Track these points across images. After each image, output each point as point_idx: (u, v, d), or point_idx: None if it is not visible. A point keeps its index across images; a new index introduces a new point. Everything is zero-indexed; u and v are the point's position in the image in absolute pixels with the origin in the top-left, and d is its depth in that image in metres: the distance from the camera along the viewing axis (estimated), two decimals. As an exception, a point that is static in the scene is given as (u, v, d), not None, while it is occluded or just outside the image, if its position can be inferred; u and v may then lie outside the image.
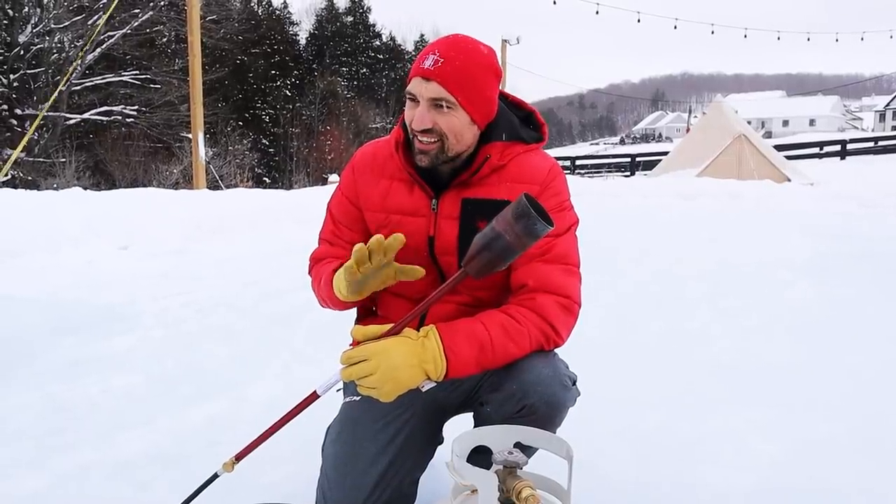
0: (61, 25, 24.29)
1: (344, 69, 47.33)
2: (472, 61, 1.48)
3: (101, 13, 21.49)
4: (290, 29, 46.09)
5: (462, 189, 1.57)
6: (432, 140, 1.49)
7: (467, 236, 1.54)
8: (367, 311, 1.80)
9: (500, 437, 1.41)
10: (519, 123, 1.61)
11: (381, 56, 49.43)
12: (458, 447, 1.35)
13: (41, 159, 23.21)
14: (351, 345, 1.45)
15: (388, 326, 1.41)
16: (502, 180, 1.56)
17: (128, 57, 26.99)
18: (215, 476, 1.49)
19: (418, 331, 1.42)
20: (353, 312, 1.85)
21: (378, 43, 50.28)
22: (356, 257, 1.39)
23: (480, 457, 1.49)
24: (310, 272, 1.76)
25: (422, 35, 54.84)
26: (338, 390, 1.48)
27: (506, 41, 22.83)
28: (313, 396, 1.44)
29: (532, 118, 1.66)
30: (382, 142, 1.70)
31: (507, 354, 1.45)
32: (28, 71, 23.95)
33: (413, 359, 1.36)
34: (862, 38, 29.00)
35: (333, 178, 23.59)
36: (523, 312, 1.48)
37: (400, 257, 1.63)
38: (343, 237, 1.71)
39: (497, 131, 1.57)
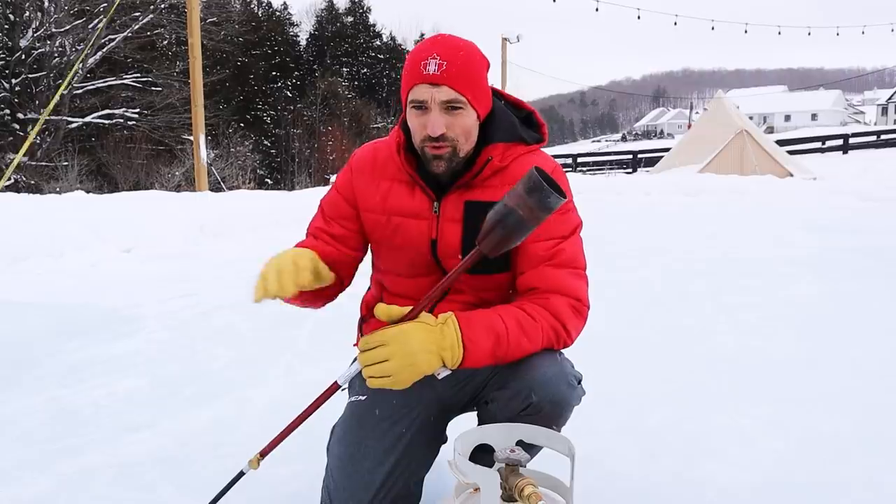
0: (62, 29, 24.32)
1: (345, 69, 47.35)
2: (470, 58, 1.49)
3: (101, 17, 21.52)
4: (291, 30, 46.12)
5: (464, 191, 1.56)
6: (446, 144, 1.48)
7: (471, 239, 1.53)
8: (370, 315, 1.79)
9: (502, 436, 1.41)
10: (519, 124, 1.61)
11: (382, 56, 49.41)
12: (460, 445, 1.35)
13: (44, 163, 23.26)
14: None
15: (407, 309, 1.39)
16: (504, 182, 1.55)
17: (129, 60, 27.00)
18: (241, 474, 1.50)
19: (436, 317, 1.41)
20: (356, 313, 1.86)
21: (378, 43, 50.28)
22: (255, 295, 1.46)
23: (483, 455, 1.49)
24: None
25: (422, 34, 54.82)
26: (343, 390, 1.48)
27: (506, 39, 22.79)
28: (335, 387, 1.44)
29: (532, 118, 1.65)
30: (381, 143, 1.69)
31: (521, 349, 1.45)
32: (30, 75, 23.98)
33: (431, 345, 1.35)
34: (863, 32, 28.94)
35: (335, 178, 23.59)
36: (538, 310, 1.48)
37: (404, 260, 1.63)
38: (329, 231, 1.68)
39: (498, 132, 1.56)
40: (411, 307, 1.40)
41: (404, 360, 1.33)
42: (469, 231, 1.55)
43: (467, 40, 1.53)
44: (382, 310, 1.40)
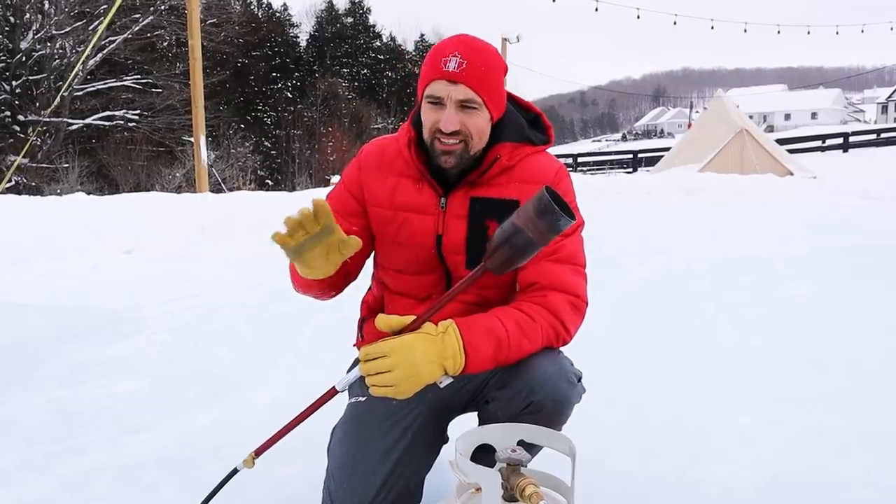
0: (62, 31, 24.32)
1: (345, 70, 47.33)
2: (490, 61, 1.52)
3: (101, 18, 21.51)
4: (291, 31, 46.11)
5: (470, 188, 1.58)
6: (458, 141, 1.51)
7: (476, 235, 1.55)
8: (376, 312, 1.80)
9: (503, 436, 1.41)
10: (527, 125, 1.64)
11: (382, 57, 49.40)
12: (461, 446, 1.35)
13: (44, 165, 23.24)
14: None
15: (410, 318, 1.41)
16: (511, 181, 1.58)
17: (129, 61, 27.00)
18: (235, 471, 1.50)
19: (436, 325, 1.42)
20: (356, 314, 1.86)
21: (378, 44, 50.27)
22: (288, 226, 1.35)
23: (484, 455, 1.49)
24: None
25: (422, 35, 54.92)
26: (346, 394, 1.49)
27: (506, 40, 22.75)
28: (332, 392, 1.45)
29: (539, 120, 1.69)
30: (389, 138, 1.70)
31: (522, 351, 1.46)
32: (30, 77, 23.99)
33: (433, 355, 1.37)
34: (862, 31, 28.93)
35: (335, 178, 23.57)
36: (536, 309, 1.49)
37: (407, 256, 1.64)
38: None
39: (506, 132, 1.59)
40: (413, 317, 1.41)
41: (407, 372, 1.35)
42: (474, 227, 1.57)
43: (488, 43, 1.56)
44: (383, 320, 1.41)
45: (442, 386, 1.40)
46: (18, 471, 2.18)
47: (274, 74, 40.95)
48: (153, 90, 26.74)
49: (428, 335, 1.39)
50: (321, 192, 10.97)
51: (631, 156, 29.35)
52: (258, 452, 1.50)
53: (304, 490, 1.97)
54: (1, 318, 4.06)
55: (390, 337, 1.39)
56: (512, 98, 1.67)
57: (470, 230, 1.57)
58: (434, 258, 1.61)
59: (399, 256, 1.66)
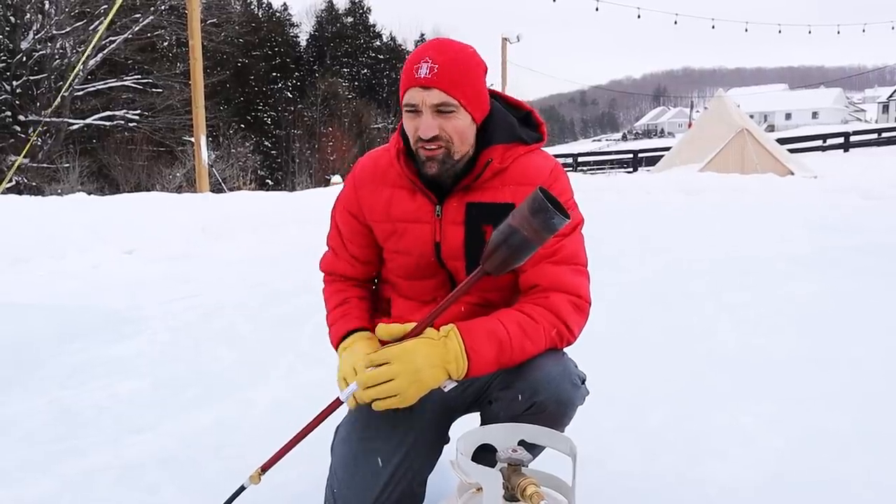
0: (63, 31, 24.32)
1: (345, 70, 47.37)
2: (462, 61, 1.50)
3: (102, 19, 21.52)
4: (291, 31, 46.16)
5: (465, 194, 1.57)
6: (439, 146, 1.49)
7: (473, 240, 1.55)
8: (381, 311, 1.80)
9: (504, 436, 1.41)
10: (518, 124, 1.62)
11: (382, 56, 49.45)
12: (462, 445, 1.35)
13: (45, 165, 23.25)
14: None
15: (410, 325, 1.42)
16: (505, 183, 1.57)
17: (129, 62, 27.00)
18: (242, 488, 1.52)
19: (437, 329, 1.43)
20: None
21: (378, 43, 50.32)
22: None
23: (485, 455, 1.49)
24: (325, 285, 1.81)
25: (422, 35, 54.99)
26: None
27: (506, 39, 22.77)
28: (336, 403, 1.46)
29: (530, 118, 1.66)
30: (381, 150, 1.70)
31: (525, 352, 1.46)
32: (31, 77, 23.98)
33: (435, 359, 1.37)
34: (863, 30, 28.94)
35: (336, 178, 23.59)
36: (539, 311, 1.49)
37: (409, 263, 1.64)
38: (347, 249, 1.74)
39: (497, 134, 1.57)
40: (413, 324, 1.42)
41: (410, 377, 1.36)
42: (471, 232, 1.56)
43: (464, 44, 1.55)
44: (383, 329, 1.43)
45: (446, 390, 1.41)
46: (19, 471, 2.19)
47: (274, 74, 40.98)
48: (153, 90, 26.73)
49: (429, 340, 1.39)
50: (322, 193, 10.97)
51: (631, 155, 29.33)
52: (264, 468, 1.51)
53: (306, 490, 1.98)
54: (2, 318, 4.07)
55: (392, 344, 1.39)
56: (500, 97, 1.66)
57: (467, 236, 1.57)
58: (434, 265, 1.62)
59: (401, 264, 1.67)
